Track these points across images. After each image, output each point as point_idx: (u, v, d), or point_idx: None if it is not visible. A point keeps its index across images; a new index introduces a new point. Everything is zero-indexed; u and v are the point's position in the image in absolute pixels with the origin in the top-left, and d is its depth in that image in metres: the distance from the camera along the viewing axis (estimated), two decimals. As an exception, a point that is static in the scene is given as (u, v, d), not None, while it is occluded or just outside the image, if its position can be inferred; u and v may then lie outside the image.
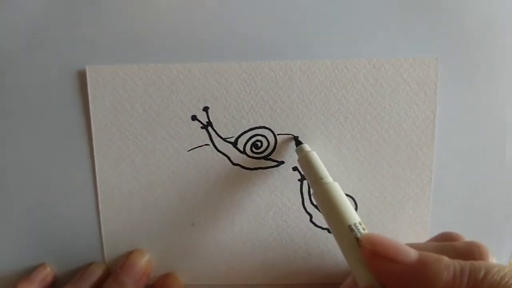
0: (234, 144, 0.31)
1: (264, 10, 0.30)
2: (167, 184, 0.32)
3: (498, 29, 0.30)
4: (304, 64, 0.30)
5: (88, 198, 0.32)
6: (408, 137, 0.31)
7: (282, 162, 0.31)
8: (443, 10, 0.30)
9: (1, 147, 0.31)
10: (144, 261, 0.32)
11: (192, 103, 0.31)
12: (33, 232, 0.33)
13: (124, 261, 0.31)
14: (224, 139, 0.31)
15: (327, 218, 0.24)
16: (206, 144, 0.31)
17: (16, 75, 0.31)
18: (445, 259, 0.20)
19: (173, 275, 0.33)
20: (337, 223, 0.23)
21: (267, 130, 0.31)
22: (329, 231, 0.32)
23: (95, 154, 0.31)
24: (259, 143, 0.31)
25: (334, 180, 0.26)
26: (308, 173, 0.28)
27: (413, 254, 0.20)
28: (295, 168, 0.31)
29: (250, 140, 0.31)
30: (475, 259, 0.22)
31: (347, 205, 0.24)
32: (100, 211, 0.32)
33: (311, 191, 0.29)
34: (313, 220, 0.32)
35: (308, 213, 0.32)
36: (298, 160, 0.29)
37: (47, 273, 0.32)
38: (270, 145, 0.31)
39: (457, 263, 0.20)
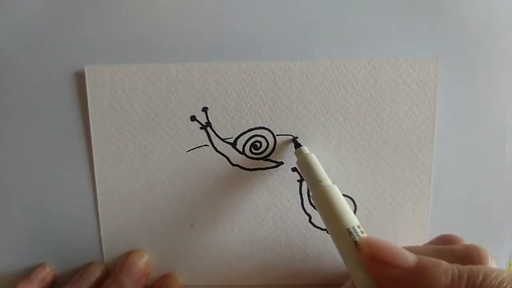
0: (233, 144, 0.31)
1: (264, 10, 0.30)
2: (166, 185, 0.32)
3: (498, 29, 0.30)
4: (303, 65, 0.30)
5: (87, 198, 0.32)
6: (407, 138, 0.31)
7: (281, 163, 0.31)
8: (443, 10, 0.30)
9: (0, 147, 0.32)
10: (143, 262, 0.32)
11: (191, 104, 0.30)
12: (32, 232, 0.33)
13: (123, 261, 0.32)
14: (223, 140, 0.31)
15: (326, 221, 0.24)
16: (205, 145, 0.31)
17: (16, 75, 0.31)
18: (444, 263, 0.20)
19: (172, 276, 0.33)
20: (335, 226, 0.23)
21: (266, 131, 0.31)
22: (328, 232, 0.32)
23: (94, 154, 0.31)
24: (258, 144, 0.31)
25: (333, 181, 0.26)
26: (307, 176, 0.28)
27: (411, 258, 0.20)
28: (294, 169, 0.31)
29: (249, 141, 0.31)
30: (474, 262, 0.22)
31: (346, 208, 0.24)
32: (99, 211, 0.32)
33: (310, 193, 0.29)
34: (312, 220, 0.32)
35: (307, 213, 0.32)
36: (297, 163, 0.29)
37: (46, 273, 0.33)
38: (269, 145, 0.31)
39: (455, 268, 0.20)
